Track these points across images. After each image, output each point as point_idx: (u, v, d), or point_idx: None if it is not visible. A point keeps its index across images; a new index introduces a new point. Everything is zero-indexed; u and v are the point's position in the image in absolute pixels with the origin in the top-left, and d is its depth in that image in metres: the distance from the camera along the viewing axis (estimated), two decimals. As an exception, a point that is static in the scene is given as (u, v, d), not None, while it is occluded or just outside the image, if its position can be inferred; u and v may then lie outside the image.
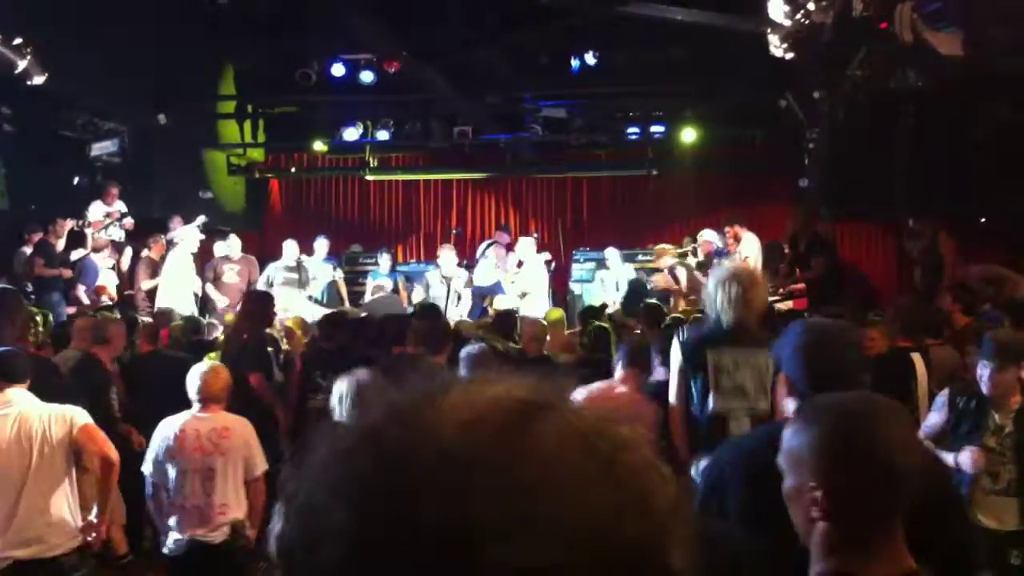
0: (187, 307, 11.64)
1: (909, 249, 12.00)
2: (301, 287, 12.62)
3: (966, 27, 6.44)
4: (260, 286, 12.12)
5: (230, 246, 12.77)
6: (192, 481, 5.15)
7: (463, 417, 0.71)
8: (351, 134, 15.47)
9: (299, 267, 12.85)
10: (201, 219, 12.85)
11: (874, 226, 14.42)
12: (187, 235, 12.54)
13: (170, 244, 12.59)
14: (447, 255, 13.14)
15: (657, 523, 0.70)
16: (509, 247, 13.81)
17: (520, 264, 13.28)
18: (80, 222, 12.25)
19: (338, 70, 14.30)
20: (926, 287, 10.60)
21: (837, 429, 1.86)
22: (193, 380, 5.25)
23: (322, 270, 13.43)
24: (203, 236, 12.81)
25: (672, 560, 0.70)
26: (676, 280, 12.40)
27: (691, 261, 12.74)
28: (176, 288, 11.99)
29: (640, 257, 14.29)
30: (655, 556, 0.69)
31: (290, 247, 12.95)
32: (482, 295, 12.86)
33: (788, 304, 10.91)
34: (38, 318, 7.21)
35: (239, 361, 6.72)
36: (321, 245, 13.67)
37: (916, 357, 6.01)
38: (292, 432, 6.93)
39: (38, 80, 10.29)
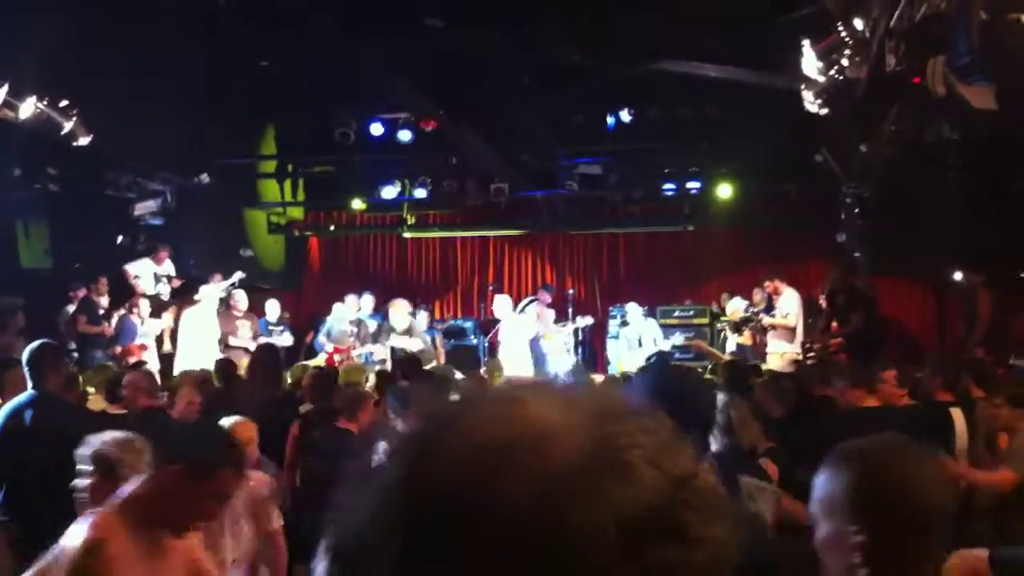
0: (207, 364, 11.56)
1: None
2: (361, 343, 12.90)
3: (996, 80, 6.42)
4: (321, 338, 12.87)
5: (239, 299, 12.89)
6: (220, 535, 5.12)
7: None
8: (389, 192, 15.64)
9: (358, 321, 13.19)
10: (238, 275, 12.96)
11: (913, 281, 14.27)
12: (208, 294, 12.54)
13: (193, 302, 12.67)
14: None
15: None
16: (550, 305, 13.87)
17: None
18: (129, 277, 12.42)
19: (376, 129, 14.48)
20: (962, 341, 10.48)
21: (874, 471, 1.86)
22: None
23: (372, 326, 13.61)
24: (237, 291, 12.91)
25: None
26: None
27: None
28: (194, 346, 12.01)
29: (677, 313, 14.26)
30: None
31: (353, 301, 13.50)
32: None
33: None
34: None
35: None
36: (366, 302, 13.83)
37: (956, 412, 5.91)
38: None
39: (83, 141, 10.53)
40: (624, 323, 13.80)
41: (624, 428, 0.73)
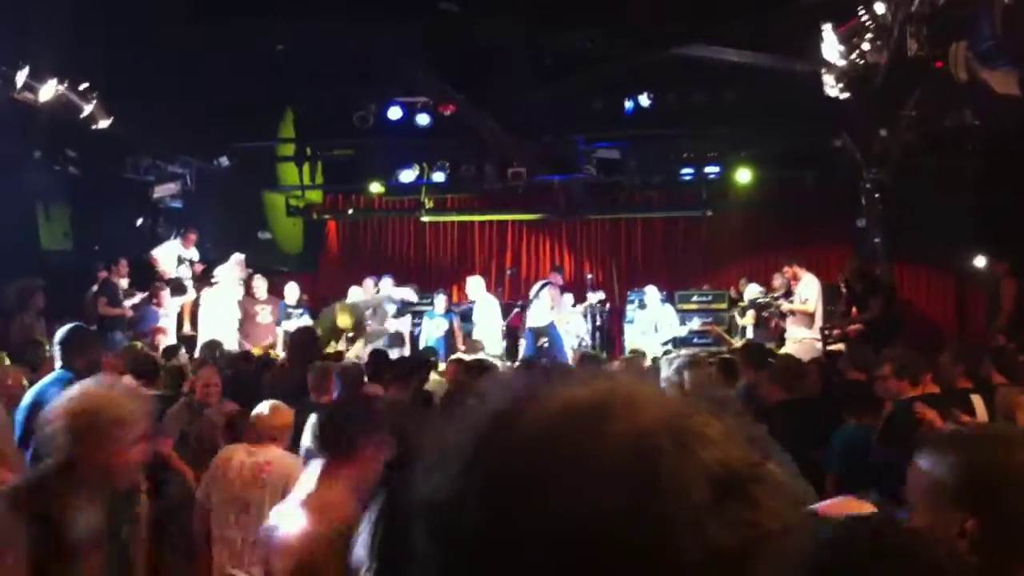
0: (229, 346, 11.38)
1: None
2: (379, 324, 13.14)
3: (1020, 65, 6.37)
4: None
5: (259, 286, 12.93)
6: (228, 512, 5.16)
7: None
8: (407, 176, 15.64)
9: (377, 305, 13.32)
10: (236, 257, 12.87)
11: (933, 268, 14.18)
12: (224, 275, 12.56)
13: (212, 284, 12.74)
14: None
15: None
16: (563, 288, 13.87)
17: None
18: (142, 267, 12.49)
19: (395, 113, 14.48)
20: (996, 329, 10.41)
21: (981, 454, 1.80)
22: (251, 417, 5.30)
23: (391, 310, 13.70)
24: (256, 276, 12.98)
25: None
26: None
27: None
28: (213, 328, 12.04)
29: (695, 298, 14.23)
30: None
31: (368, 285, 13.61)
32: (537, 335, 12.88)
33: (842, 346, 10.74)
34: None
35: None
36: (386, 285, 13.90)
37: (976, 399, 5.86)
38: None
39: (103, 124, 10.59)
40: (642, 305, 13.79)
41: (699, 409, 0.78)
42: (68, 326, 5.81)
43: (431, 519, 0.76)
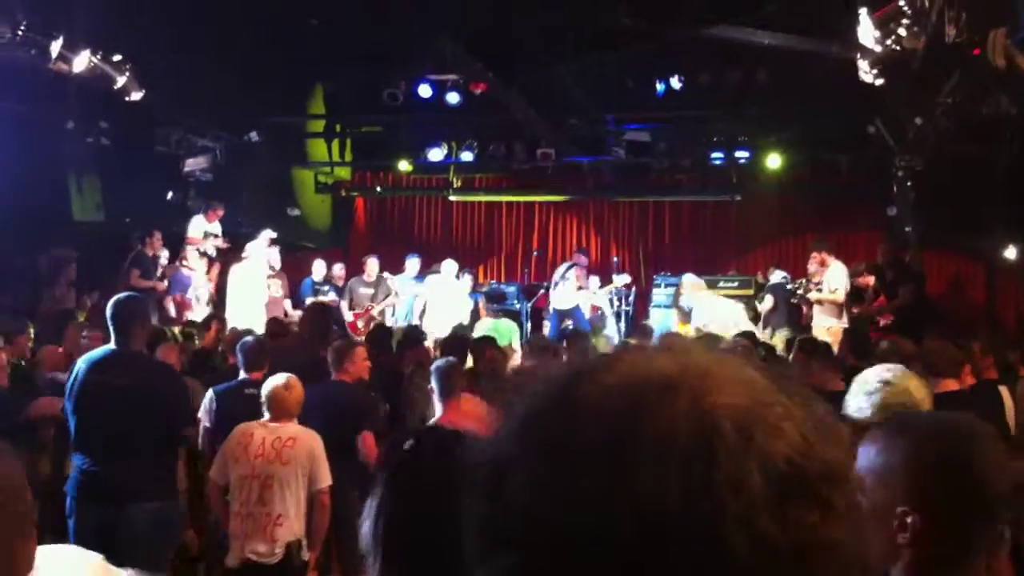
0: (255, 322, 11.23)
1: None
2: (372, 302, 13.14)
3: (1060, 52, 6.27)
4: (344, 302, 13.04)
5: (274, 259, 12.94)
6: (250, 488, 5.19)
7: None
8: (436, 155, 15.63)
9: (377, 283, 13.29)
10: (267, 233, 12.90)
11: (965, 257, 14.04)
12: (254, 251, 12.50)
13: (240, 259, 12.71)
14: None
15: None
16: (589, 271, 13.84)
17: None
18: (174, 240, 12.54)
19: (424, 91, 14.42)
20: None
21: (937, 445, 1.73)
22: (267, 392, 5.32)
23: (409, 287, 13.65)
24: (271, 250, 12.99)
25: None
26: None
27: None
28: (241, 304, 12.03)
29: (722, 283, 14.13)
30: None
31: (372, 264, 13.42)
32: (561, 317, 12.86)
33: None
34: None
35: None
36: (412, 264, 13.93)
37: (1004, 390, 5.83)
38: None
39: (136, 96, 10.63)
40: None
41: (781, 400, 0.74)
42: (120, 297, 5.66)
43: (478, 478, 0.75)
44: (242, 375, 6.37)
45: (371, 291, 13.26)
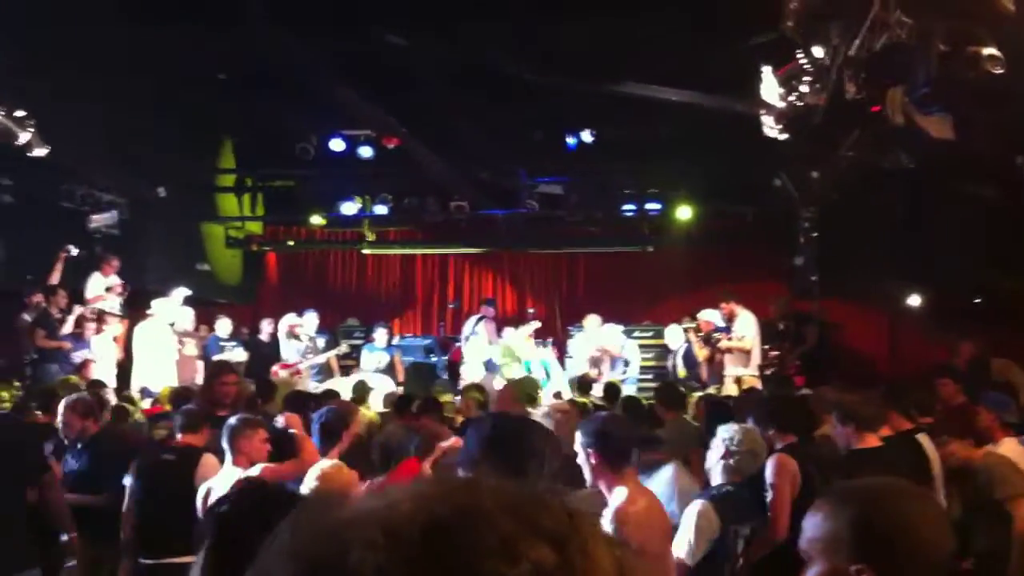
0: (164, 381, 11.08)
1: None
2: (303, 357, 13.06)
3: (954, 111, 6.54)
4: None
5: (187, 318, 12.66)
6: None
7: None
8: (349, 208, 15.57)
9: (312, 340, 13.32)
10: (180, 291, 12.65)
11: (867, 306, 14.40)
12: (160, 308, 12.21)
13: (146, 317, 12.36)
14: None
15: None
16: (502, 322, 13.87)
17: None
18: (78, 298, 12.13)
19: (337, 145, 14.40)
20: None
21: (877, 507, 1.87)
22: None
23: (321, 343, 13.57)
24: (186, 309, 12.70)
25: None
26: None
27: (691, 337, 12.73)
28: (148, 361, 11.76)
29: (637, 333, 14.28)
30: None
31: (310, 318, 13.57)
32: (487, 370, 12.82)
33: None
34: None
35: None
36: (310, 319, 13.70)
37: (924, 439, 5.84)
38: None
39: (40, 152, 10.38)
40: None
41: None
42: None
43: None
44: None
45: (303, 345, 13.08)
